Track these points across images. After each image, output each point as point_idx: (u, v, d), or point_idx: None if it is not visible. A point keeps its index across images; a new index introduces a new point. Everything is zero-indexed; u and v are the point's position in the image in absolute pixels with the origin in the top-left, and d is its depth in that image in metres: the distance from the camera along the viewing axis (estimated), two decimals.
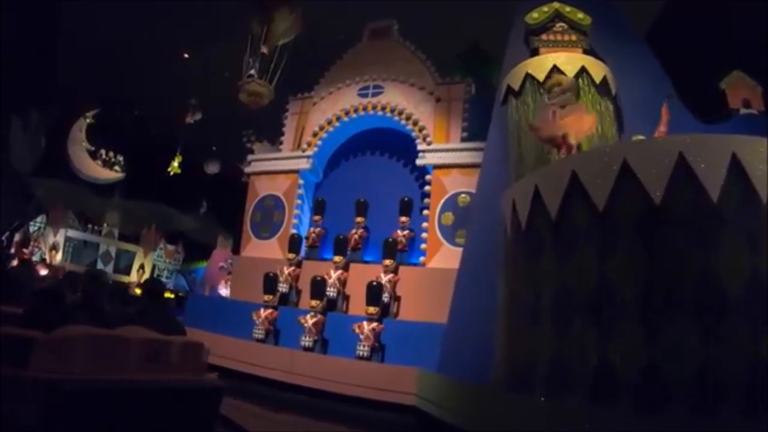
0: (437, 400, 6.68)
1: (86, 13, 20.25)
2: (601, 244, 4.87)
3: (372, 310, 8.82)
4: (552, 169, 5.84)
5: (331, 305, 9.72)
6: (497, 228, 6.66)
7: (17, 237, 23.73)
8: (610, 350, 4.54)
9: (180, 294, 28.26)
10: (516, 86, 7.75)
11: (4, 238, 22.80)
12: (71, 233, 27.58)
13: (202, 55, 22.07)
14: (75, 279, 6.23)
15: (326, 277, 9.69)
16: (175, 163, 24.09)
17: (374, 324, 8.70)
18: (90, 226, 28.71)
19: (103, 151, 27.37)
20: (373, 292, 8.93)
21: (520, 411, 4.96)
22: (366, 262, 10.82)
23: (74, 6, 19.94)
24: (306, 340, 9.03)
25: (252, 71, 13.92)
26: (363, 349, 8.52)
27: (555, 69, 7.36)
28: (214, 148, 27.00)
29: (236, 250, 21.36)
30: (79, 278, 5.86)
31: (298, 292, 10.60)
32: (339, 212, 11.58)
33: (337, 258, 10.13)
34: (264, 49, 13.83)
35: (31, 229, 26.04)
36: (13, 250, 22.62)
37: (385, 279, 9.44)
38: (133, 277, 29.05)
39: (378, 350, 8.73)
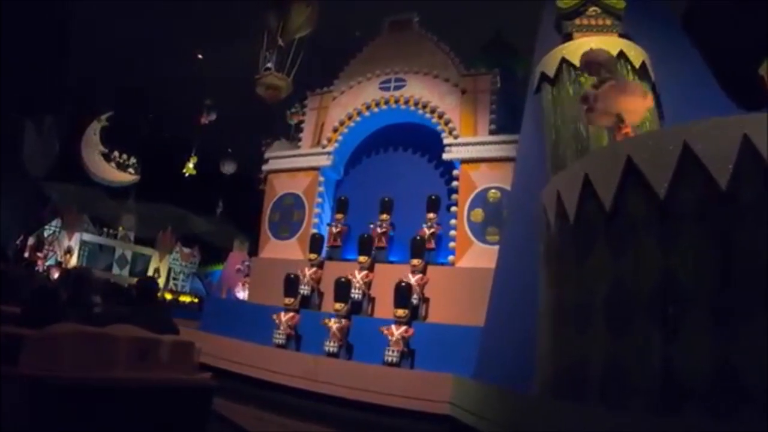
0: (475, 409, 6.21)
1: (98, 15, 19.96)
2: (664, 236, 4.32)
3: (401, 312, 8.27)
4: (604, 155, 5.29)
5: (355, 308, 9.21)
6: (536, 223, 6.18)
7: (31, 240, 23.42)
8: (676, 352, 3.99)
9: (195, 298, 28.12)
10: (551, 72, 7.24)
11: (18, 241, 22.51)
12: (86, 237, 27.47)
13: (215, 55, 21.67)
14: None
15: (351, 278, 9.14)
16: (191, 164, 23.79)
17: (403, 327, 8.16)
18: (105, 229, 28.58)
19: (117, 154, 27.18)
20: (402, 294, 8.39)
21: (572, 420, 4.45)
22: (391, 262, 10.34)
23: (86, 8, 19.61)
24: (330, 345, 8.51)
25: (269, 64, 13.55)
26: (392, 355, 7.98)
27: None
28: (229, 150, 26.62)
29: (253, 252, 21.08)
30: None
31: (321, 295, 10.12)
32: (361, 211, 11.09)
33: (361, 258, 9.62)
34: (281, 42, 13.41)
35: (46, 232, 25.79)
36: (26, 254, 22.31)
37: (413, 280, 8.86)
38: None
39: (407, 355, 8.21)
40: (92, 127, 26.32)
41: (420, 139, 11.43)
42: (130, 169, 27.70)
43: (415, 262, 9.20)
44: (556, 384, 5.19)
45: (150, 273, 29.07)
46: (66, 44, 20.59)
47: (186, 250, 31.84)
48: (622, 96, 5.43)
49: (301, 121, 15.60)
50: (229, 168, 27.05)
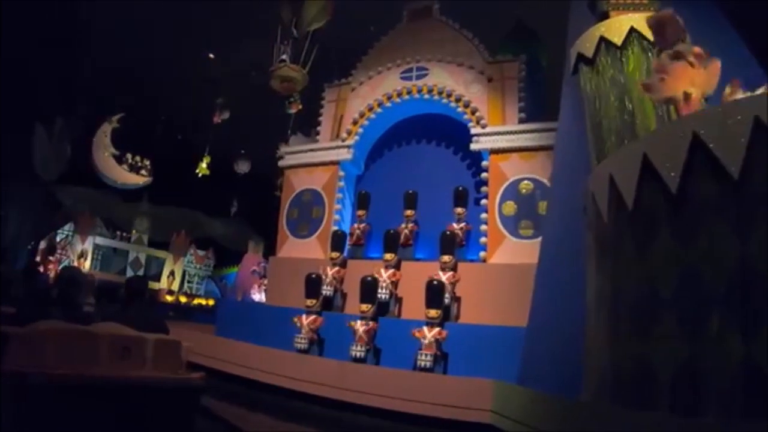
0: (520, 417, 5.64)
1: (108, 16, 19.54)
2: (739, 219, 3.71)
3: (434, 313, 7.64)
4: (666, 133, 4.66)
5: (382, 309, 8.59)
6: (581, 214, 5.64)
7: (42, 244, 23.08)
8: (759, 351, 3.40)
9: (210, 301, 27.78)
10: (589, 52, 6.60)
11: (30, 246, 22.22)
12: (100, 240, 27.23)
13: (228, 54, 21.23)
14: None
15: (377, 277, 8.51)
16: (204, 164, 23.30)
17: (436, 329, 7.54)
18: (119, 232, 28.31)
19: (129, 156, 26.77)
20: (435, 293, 7.75)
21: (639, 428, 3.83)
22: (417, 260, 9.82)
23: (96, 9, 19.21)
24: (357, 350, 7.89)
25: (284, 56, 13.06)
26: (425, 359, 7.37)
27: (633, 31, 6.23)
28: (242, 152, 26.17)
29: (268, 253, 20.68)
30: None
31: (344, 296, 9.54)
32: (383, 207, 10.57)
33: (387, 256, 8.99)
34: (295, 33, 12.94)
35: (59, 237, 25.48)
36: (38, 258, 22.02)
37: (444, 278, 8.25)
38: (164, 283, 28.65)
39: (440, 359, 7.59)
40: (103, 129, 25.87)
41: (444, 131, 10.95)
42: (143, 171, 27.26)
43: (446, 258, 8.61)
44: (617, 389, 4.59)
45: (164, 276, 28.87)
46: (76, 46, 20.25)
47: (200, 253, 31.52)
48: (690, 70, 4.82)
49: (300, 111, 15.12)
50: (243, 167, 26.54)
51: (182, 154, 25.33)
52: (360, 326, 7.93)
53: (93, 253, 26.54)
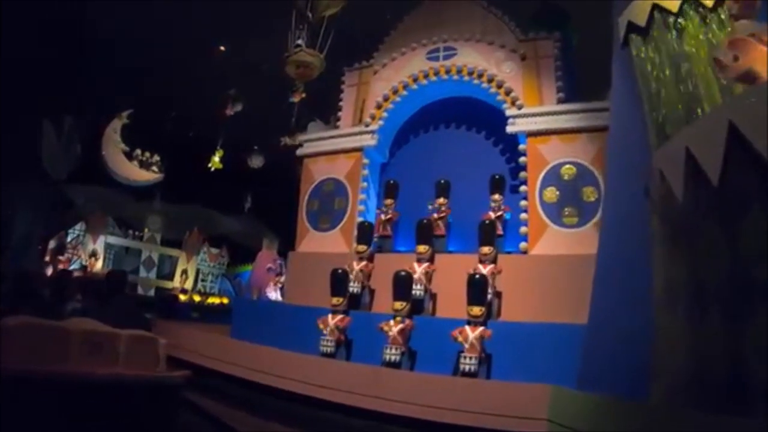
0: (584, 426, 4.89)
1: (117, 11, 19.01)
2: None
3: (477, 311, 6.80)
4: (757, 97, 3.91)
5: (416, 307, 7.76)
6: (644, 196, 5.10)
7: (52, 244, 22.55)
8: None
9: (224, 299, 27.32)
10: (641, 21, 5.90)
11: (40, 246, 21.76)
12: (112, 240, 26.87)
13: (239, 46, 20.68)
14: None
15: (410, 271, 7.73)
16: (216, 158, 22.74)
17: (480, 328, 6.73)
18: (131, 231, 27.89)
19: (139, 152, 26.28)
20: (478, 288, 6.92)
21: None
22: (450, 252, 9.02)
23: (104, 5, 18.68)
24: (391, 353, 7.06)
25: (299, 41, 12.39)
26: (468, 363, 6.56)
27: None
28: (255, 147, 25.55)
29: (284, 249, 20.05)
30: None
31: (371, 293, 8.75)
32: (410, 196, 9.81)
33: (421, 247, 8.16)
34: (310, 17, 12.31)
35: (70, 236, 25.00)
36: (47, 258, 21.55)
37: (485, 271, 7.47)
38: (177, 282, 28.14)
39: (484, 362, 6.81)
40: (113, 125, 25.37)
41: (473, 115, 10.20)
42: (154, 168, 26.85)
43: (486, 249, 7.80)
44: (696, 392, 3.92)
45: (177, 275, 28.51)
46: (84, 42, 19.78)
47: (214, 251, 31.25)
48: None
49: (303, 99, 14.53)
50: (256, 162, 25.89)
51: (194, 151, 24.82)
52: (393, 326, 7.11)
53: (105, 252, 26.15)
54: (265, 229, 26.08)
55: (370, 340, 7.52)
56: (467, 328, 6.75)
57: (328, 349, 7.58)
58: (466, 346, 6.62)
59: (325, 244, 9.94)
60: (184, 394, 7.82)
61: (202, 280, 30.88)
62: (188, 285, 28.92)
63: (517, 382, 6.06)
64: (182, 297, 27.07)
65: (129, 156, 25.98)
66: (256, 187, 28.25)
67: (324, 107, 11.71)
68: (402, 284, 7.34)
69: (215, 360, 8.44)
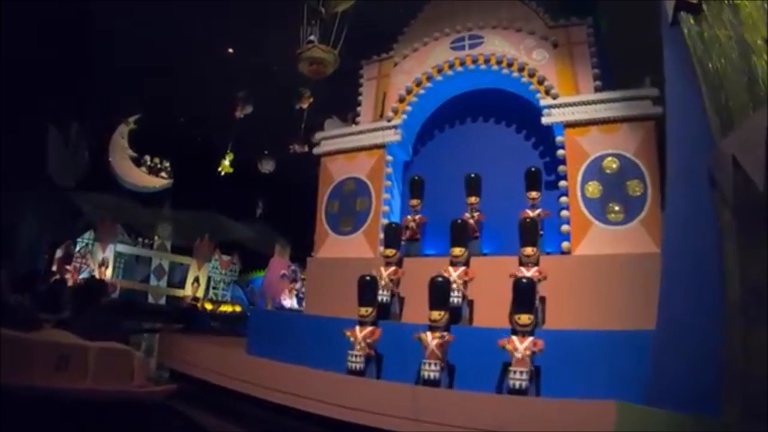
0: None
1: (123, 16, 18.52)
2: None
3: (525, 319, 6.04)
4: None
5: (454, 316, 7.02)
6: (711, 187, 4.59)
7: (59, 253, 22.08)
8: None
9: (237, 307, 26.92)
10: None
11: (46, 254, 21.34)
12: (121, 248, 26.54)
13: (247, 48, 20.17)
14: None
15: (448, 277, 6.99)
16: (227, 162, 22.16)
17: (529, 339, 5.98)
18: (141, 239, 27.48)
19: (147, 158, 25.86)
20: (525, 294, 6.18)
21: None
22: (484, 255, 8.32)
23: (110, 9, 18.17)
24: (430, 369, 6.27)
25: (311, 36, 11.77)
26: (519, 378, 5.80)
27: None
28: (266, 152, 25.02)
29: (298, 257, 19.49)
30: None
31: (401, 301, 8.01)
32: (436, 196, 9.09)
33: (457, 250, 7.40)
34: (323, 12, 11.77)
35: (78, 245, 24.59)
36: (54, 267, 21.13)
37: (528, 275, 6.76)
38: (188, 290, 27.73)
39: (534, 377, 6.07)
40: (120, 131, 25.02)
41: (502, 106, 9.50)
42: (163, 173, 26.51)
43: (529, 251, 7.09)
44: None
45: (188, 283, 28.06)
46: (92, 47, 19.29)
47: (225, 258, 30.98)
48: None
49: (311, 105, 13.97)
50: (267, 166, 25.34)
51: (203, 156, 24.35)
52: (431, 339, 6.36)
53: (114, 261, 25.75)
54: (277, 234, 25.68)
55: (402, 355, 6.82)
56: (515, 339, 6.01)
57: (357, 366, 6.77)
58: (516, 358, 5.89)
59: (347, 248, 9.21)
60: (191, 415, 7.24)
61: (214, 288, 30.59)
62: (200, 293, 28.59)
63: (571, 398, 5.38)
64: (187, 304, 26.75)
65: (137, 162, 25.68)
66: (267, 192, 27.80)
67: (335, 111, 11.01)
68: (440, 291, 6.57)
69: (230, 378, 7.80)
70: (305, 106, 19.86)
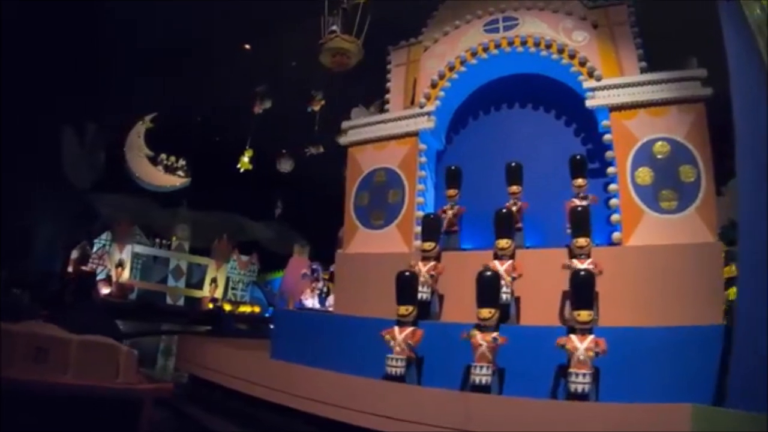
0: None
1: (137, 15, 18.20)
2: None
3: (585, 315, 5.47)
4: None
5: (503, 314, 6.42)
6: None
7: (74, 254, 21.78)
8: None
9: (256, 308, 26.67)
10: None
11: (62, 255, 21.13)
12: (138, 249, 26.28)
13: (265, 43, 19.76)
14: None
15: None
16: (246, 158, 21.70)
17: (590, 338, 5.42)
18: (158, 240, 27.23)
19: (164, 156, 25.55)
20: (583, 288, 5.58)
21: None
22: (527, 247, 7.75)
23: (125, 7, 17.85)
24: (481, 374, 5.66)
25: (333, 27, 11.30)
26: (581, 381, 5.23)
27: None
28: (284, 151, 24.61)
29: (315, 256, 19.04)
30: None
31: (440, 298, 7.43)
32: (472, 186, 8.56)
33: (503, 242, 6.82)
34: (345, 2, 11.48)
35: (95, 246, 24.34)
36: (70, 268, 20.87)
37: (583, 267, 6.21)
38: (206, 291, 27.42)
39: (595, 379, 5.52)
40: (136, 130, 24.74)
41: (540, 92, 9.00)
42: (180, 172, 26.21)
43: (582, 241, 6.53)
44: None
45: (207, 284, 27.81)
46: (107, 47, 18.98)
47: (244, 258, 30.67)
48: None
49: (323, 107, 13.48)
50: (286, 166, 24.91)
51: (221, 155, 24.00)
52: (481, 339, 5.77)
53: (132, 262, 25.44)
54: (295, 234, 25.34)
55: (444, 357, 6.28)
56: (574, 337, 5.45)
57: (397, 370, 6.14)
58: (576, 360, 5.33)
59: (378, 242, 8.66)
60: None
61: (233, 289, 30.30)
62: (218, 294, 28.30)
63: (635, 402, 4.80)
64: (211, 306, 26.55)
65: (153, 161, 25.40)
66: (286, 191, 27.46)
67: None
68: (489, 287, 5.96)
69: (254, 385, 7.26)
70: (317, 108, 19.47)
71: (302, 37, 13.52)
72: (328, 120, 18.15)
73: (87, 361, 4.03)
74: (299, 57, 17.32)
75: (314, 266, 18.98)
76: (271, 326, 18.05)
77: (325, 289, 17.06)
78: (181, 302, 27.36)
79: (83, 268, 21.59)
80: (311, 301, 17.53)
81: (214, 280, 28.42)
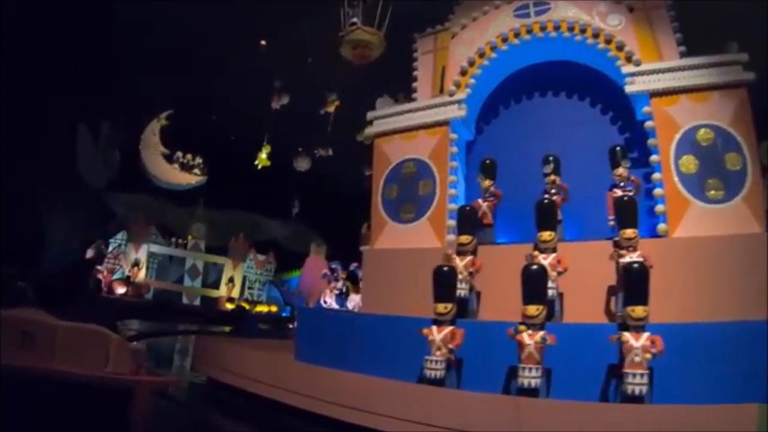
0: None
1: (154, 14, 17.99)
2: None
3: (640, 311, 5.07)
4: None
5: (549, 311, 5.97)
6: None
7: (89, 253, 21.59)
8: None
9: (273, 307, 26.47)
10: None
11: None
12: (154, 248, 26.07)
13: (281, 40, 19.48)
14: None
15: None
16: (263, 155, 21.35)
17: (645, 335, 5.01)
18: (174, 239, 26.98)
19: (180, 154, 25.33)
20: (638, 282, 5.19)
21: None
22: (565, 241, 7.30)
23: (140, 7, 17.55)
24: (530, 376, 5.25)
25: (354, 19, 10.95)
26: (638, 382, 4.84)
27: None
28: (300, 149, 24.32)
29: (334, 255, 18.74)
30: None
31: (478, 295, 7.03)
32: (504, 178, 8.11)
33: (546, 234, 6.42)
34: None
35: (111, 245, 24.19)
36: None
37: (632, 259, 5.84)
38: (223, 291, 27.17)
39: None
40: (151, 127, 24.54)
41: (574, 79, 8.64)
42: (196, 170, 25.99)
43: (630, 233, 6.13)
44: None
45: (223, 283, 27.65)
46: (121, 45, 18.80)
47: (260, 257, 30.41)
48: None
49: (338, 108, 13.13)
50: (303, 164, 24.59)
51: (237, 152, 23.77)
52: (529, 339, 5.35)
53: (147, 261, 25.23)
54: (312, 232, 25.09)
55: (485, 359, 5.88)
56: (629, 335, 5.06)
57: (436, 374, 5.70)
58: (633, 359, 4.93)
59: (409, 237, 8.28)
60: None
61: (249, 288, 30.06)
62: (235, 293, 28.08)
63: (707, 405, 4.46)
64: (229, 306, 26.34)
65: (169, 159, 25.21)
66: (303, 190, 27.21)
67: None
68: (536, 282, 5.55)
69: (278, 389, 6.84)
70: (331, 110, 19.15)
71: (319, 32, 13.25)
72: (346, 118, 17.81)
73: (74, 348, 3.94)
74: (316, 53, 17.01)
75: (333, 265, 18.67)
76: (290, 326, 17.70)
77: (344, 289, 16.77)
78: (197, 302, 27.19)
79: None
80: (330, 301, 17.24)
81: (231, 280, 28.25)
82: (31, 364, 3.68)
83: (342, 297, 16.51)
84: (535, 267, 5.59)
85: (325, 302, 16.93)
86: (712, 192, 6.70)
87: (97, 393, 3.86)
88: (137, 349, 4.79)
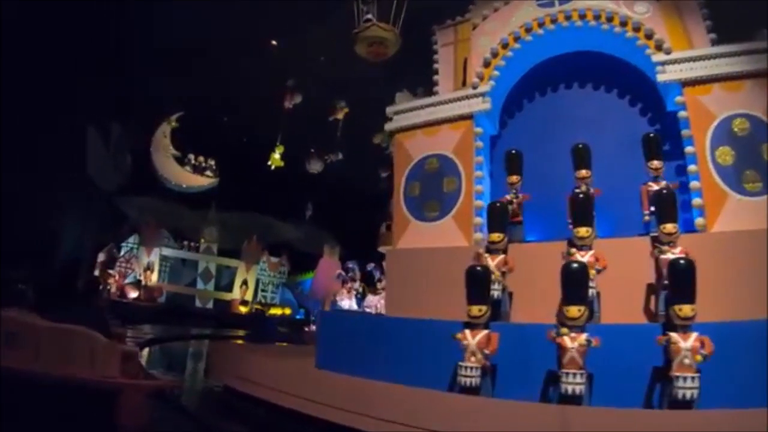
0: None
1: (166, 15, 17.87)
2: None
3: (688, 310, 4.73)
4: None
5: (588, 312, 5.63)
6: None
7: (101, 257, 21.48)
8: None
9: (286, 310, 26.37)
10: None
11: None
12: (167, 252, 26.01)
13: (293, 39, 19.31)
14: None
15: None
16: (277, 155, 21.13)
17: (693, 335, 4.71)
18: (187, 242, 26.90)
19: (191, 156, 25.23)
20: (685, 279, 4.84)
21: None
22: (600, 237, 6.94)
23: (151, 7, 17.52)
24: (574, 382, 4.92)
25: (369, 15, 10.70)
26: (688, 386, 4.53)
27: None
28: (312, 150, 24.14)
29: (347, 256, 18.55)
30: None
31: (510, 296, 6.68)
32: (531, 173, 7.78)
33: (583, 230, 6.05)
34: None
35: (123, 249, 24.14)
36: (96, 272, 20.67)
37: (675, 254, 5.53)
38: (236, 294, 27.05)
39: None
40: (162, 130, 24.39)
41: (601, 70, 8.33)
42: (208, 172, 25.87)
43: (670, 227, 5.77)
44: None
45: (236, 286, 27.47)
46: (132, 46, 18.67)
47: (273, 259, 30.35)
48: None
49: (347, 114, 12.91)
50: (315, 167, 24.39)
51: (250, 154, 23.64)
52: (571, 342, 5.01)
53: (160, 265, 25.15)
54: (325, 234, 24.94)
55: (520, 364, 5.56)
56: (676, 336, 4.76)
57: (471, 381, 5.34)
58: (682, 361, 4.63)
59: (434, 236, 7.94)
60: None
61: (263, 291, 29.98)
62: (249, 296, 27.97)
63: (732, 405, 4.30)
64: (243, 309, 26.27)
65: (181, 161, 25.12)
66: (316, 192, 27.08)
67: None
68: (577, 281, 5.20)
69: (295, 398, 6.32)
70: (340, 117, 18.93)
71: (331, 30, 13.04)
72: (359, 120, 17.60)
73: (58, 349, 3.93)
74: (328, 52, 16.82)
75: (350, 265, 18.45)
76: (306, 329, 17.42)
77: (360, 290, 16.61)
78: (210, 305, 27.11)
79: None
80: (348, 302, 17.01)
81: (244, 282, 28.18)
82: (14, 365, 3.67)
83: (360, 298, 16.34)
84: (576, 265, 5.24)
85: (341, 303, 16.77)
86: (750, 184, 6.40)
87: (82, 394, 3.84)
88: (130, 351, 4.72)
